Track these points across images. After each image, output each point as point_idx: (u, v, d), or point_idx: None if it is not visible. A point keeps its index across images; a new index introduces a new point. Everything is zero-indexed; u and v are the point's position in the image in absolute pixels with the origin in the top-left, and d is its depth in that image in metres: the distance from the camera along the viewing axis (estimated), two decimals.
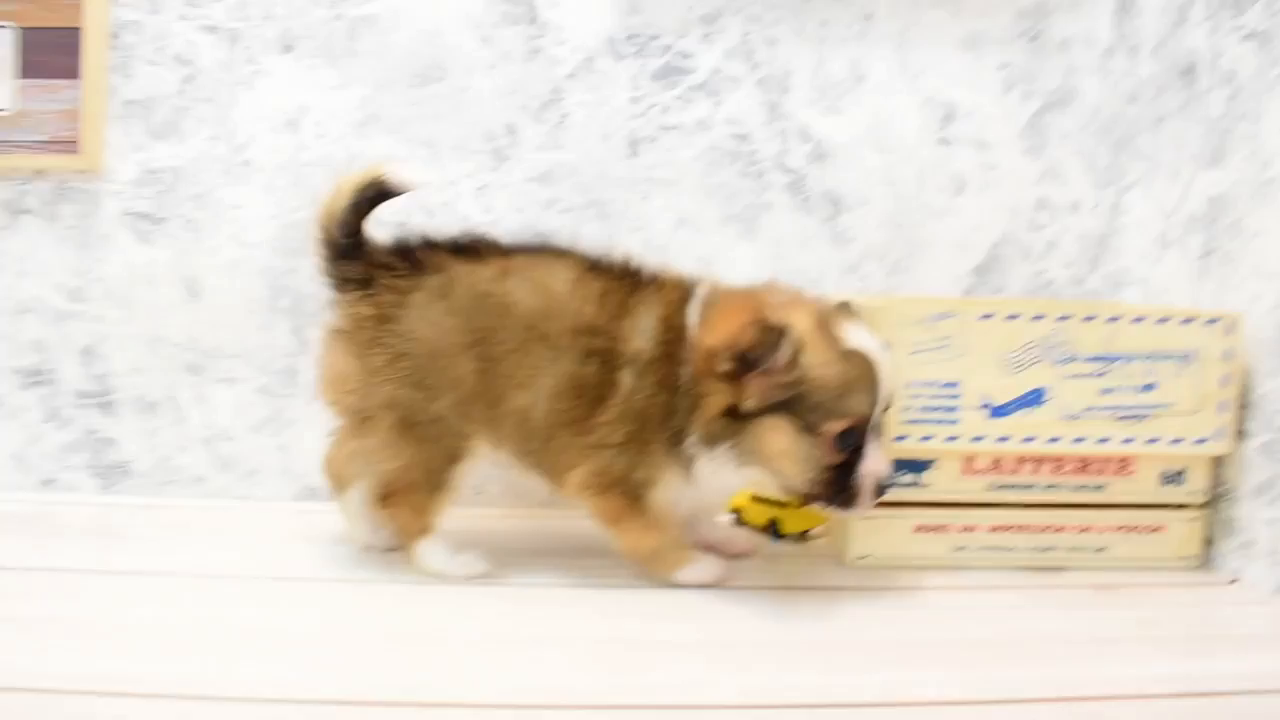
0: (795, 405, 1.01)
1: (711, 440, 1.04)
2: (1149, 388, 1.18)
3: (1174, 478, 1.23)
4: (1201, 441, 1.20)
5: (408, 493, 1.12)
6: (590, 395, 1.07)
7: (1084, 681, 0.91)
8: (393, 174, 1.10)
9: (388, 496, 1.13)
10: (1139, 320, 1.18)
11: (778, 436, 1.02)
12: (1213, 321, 1.18)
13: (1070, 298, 1.48)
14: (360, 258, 1.11)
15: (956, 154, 1.44)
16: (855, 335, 1.04)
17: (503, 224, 1.38)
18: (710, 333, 1.04)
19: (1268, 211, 1.20)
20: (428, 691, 0.84)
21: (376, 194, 1.11)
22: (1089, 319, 1.17)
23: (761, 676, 0.90)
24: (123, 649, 0.90)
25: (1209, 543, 1.26)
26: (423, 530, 1.13)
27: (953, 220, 1.45)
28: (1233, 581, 1.21)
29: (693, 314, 1.07)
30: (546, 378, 1.08)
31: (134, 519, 1.31)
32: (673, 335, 1.07)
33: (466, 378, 1.08)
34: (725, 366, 1.01)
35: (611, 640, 0.98)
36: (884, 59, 1.42)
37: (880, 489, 1.04)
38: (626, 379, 1.06)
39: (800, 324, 1.02)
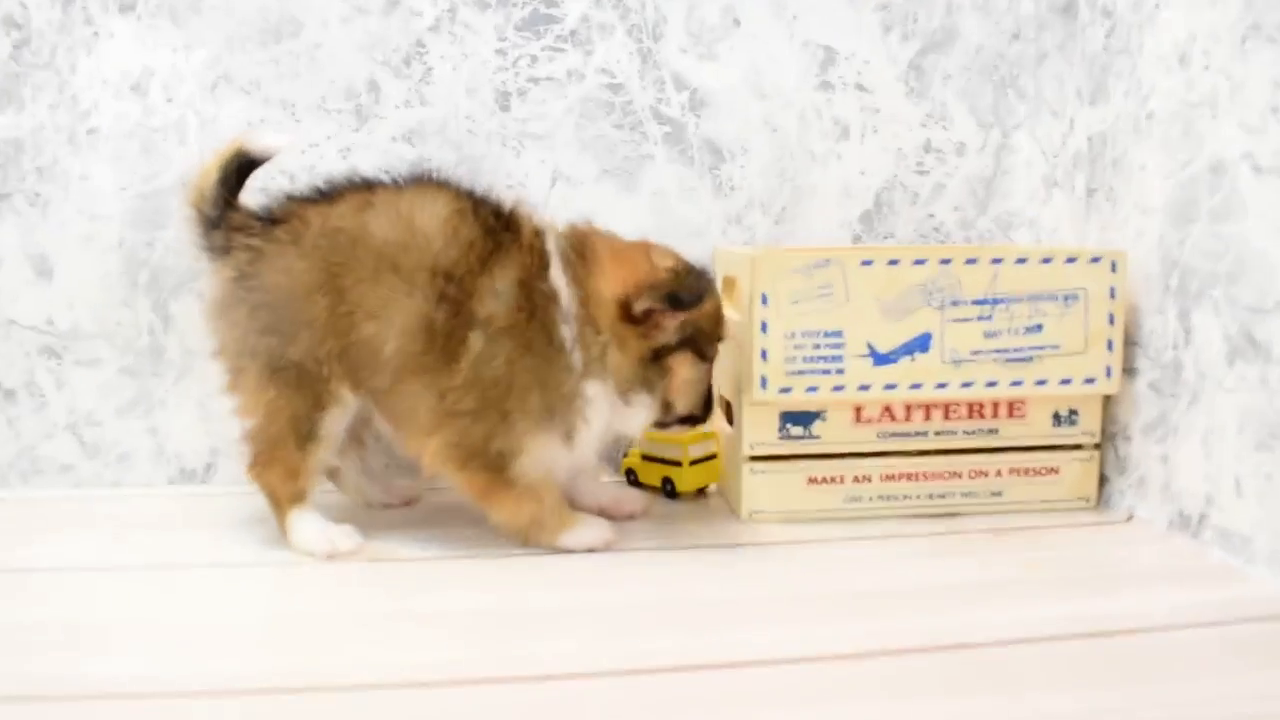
0: (697, 339, 1.09)
1: (627, 386, 1.07)
2: (1035, 329, 1.16)
3: (1065, 418, 1.21)
4: (1090, 381, 1.18)
5: (277, 449, 1.09)
6: (439, 345, 1.05)
7: (981, 627, 0.90)
8: (255, 142, 1.12)
9: (257, 457, 1.10)
10: (1022, 261, 1.16)
11: (683, 369, 1.09)
12: (1096, 260, 1.17)
13: (960, 241, 1.45)
14: (223, 225, 1.11)
15: (838, 99, 1.40)
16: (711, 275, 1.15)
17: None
18: (612, 283, 1.06)
19: (1148, 147, 1.18)
20: (306, 675, 0.80)
21: (243, 165, 1.12)
22: (971, 262, 1.15)
23: (648, 641, 0.87)
24: None
25: (1104, 482, 1.25)
26: (295, 496, 1.10)
27: (837, 166, 1.41)
28: (1129, 519, 1.20)
29: (557, 276, 1.07)
30: (397, 312, 1.06)
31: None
32: (538, 300, 1.06)
33: (319, 315, 1.07)
34: (642, 309, 1.05)
35: (494, 612, 0.94)
36: (759, 3, 1.38)
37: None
38: (476, 342, 1.04)
39: (680, 259, 1.10)
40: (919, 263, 1.14)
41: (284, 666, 0.82)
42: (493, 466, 1.05)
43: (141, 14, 1.29)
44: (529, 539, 1.09)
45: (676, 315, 1.06)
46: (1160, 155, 1.16)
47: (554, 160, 1.36)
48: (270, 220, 1.10)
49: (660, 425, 1.14)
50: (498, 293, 1.05)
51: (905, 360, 1.15)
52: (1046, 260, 1.16)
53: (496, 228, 1.08)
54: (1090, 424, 1.22)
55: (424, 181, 1.12)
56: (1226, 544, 1.06)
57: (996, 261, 1.15)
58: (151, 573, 1.04)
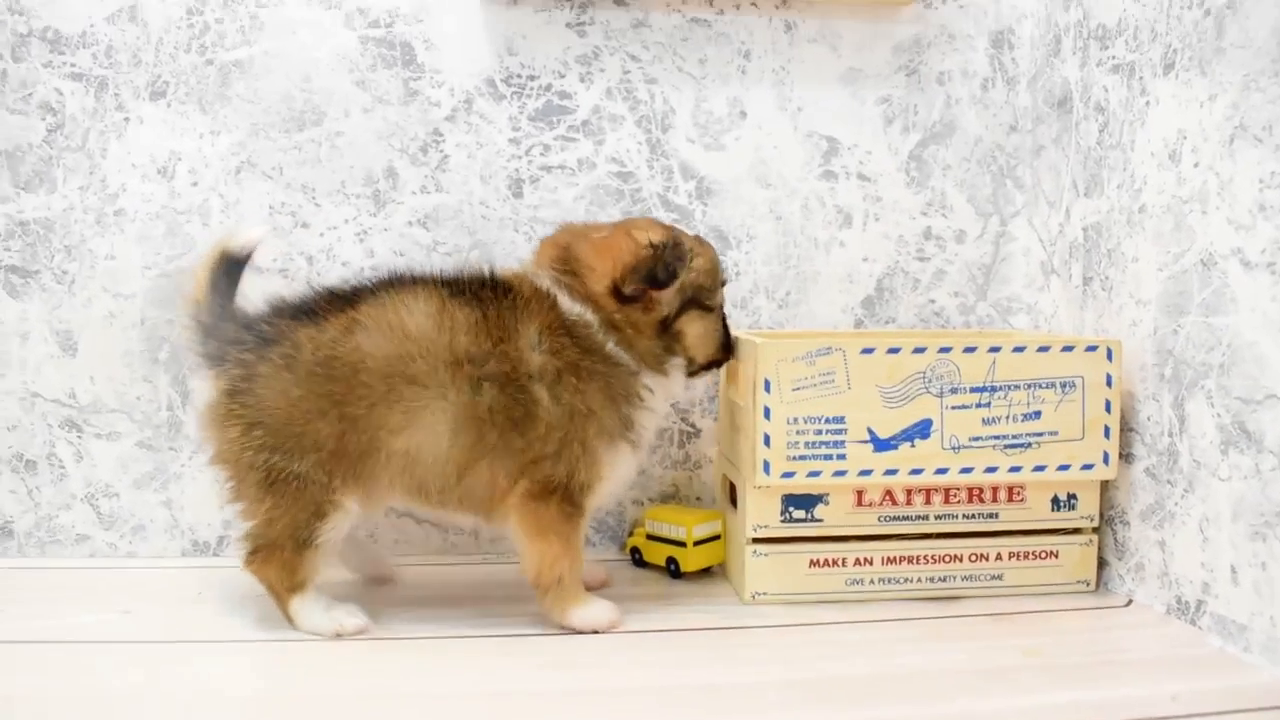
0: (697, 296, 1.15)
1: (655, 360, 1.14)
2: (1034, 415, 1.19)
3: (1065, 503, 1.23)
4: (1088, 467, 1.21)
5: (274, 550, 1.09)
6: (502, 420, 1.07)
7: (979, 714, 0.91)
8: (234, 242, 1.14)
9: (254, 553, 1.10)
10: (1020, 350, 1.19)
11: (692, 326, 1.15)
12: (1092, 349, 1.20)
13: (960, 326, 1.49)
14: (217, 334, 1.12)
15: (841, 187, 1.45)
16: (693, 239, 1.18)
17: (386, 268, 1.34)
18: (601, 279, 1.12)
19: (1141, 239, 1.22)
20: None
21: (230, 266, 1.14)
22: (970, 350, 1.18)
23: None
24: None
25: (1103, 566, 1.27)
26: (293, 588, 1.10)
27: (840, 253, 1.45)
28: (1127, 603, 1.21)
29: (567, 303, 1.12)
30: (431, 416, 1.07)
31: (15, 581, 1.27)
32: (567, 332, 1.11)
33: (327, 440, 1.08)
34: (631, 290, 1.10)
35: (497, 694, 0.95)
36: (764, 95, 1.43)
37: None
38: (542, 394, 1.08)
39: (662, 231, 1.14)
40: (919, 351, 1.17)
41: None
42: (570, 501, 1.09)
43: (171, 101, 1.34)
44: (545, 599, 1.11)
45: (663, 290, 1.12)
46: (1153, 248, 1.19)
47: None
48: (263, 338, 1.10)
49: (690, 374, 1.19)
50: (534, 344, 1.09)
51: (906, 446, 1.17)
52: (1044, 349, 1.19)
53: (487, 296, 1.11)
54: (1089, 508, 1.24)
55: (399, 283, 1.13)
56: (1224, 631, 1.08)
57: (995, 350, 1.18)
58: (161, 648, 1.06)
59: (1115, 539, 1.25)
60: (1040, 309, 1.45)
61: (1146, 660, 1.06)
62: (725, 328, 1.22)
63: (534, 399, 1.08)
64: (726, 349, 1.21)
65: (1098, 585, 1.26)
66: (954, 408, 1.17)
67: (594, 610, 1.11)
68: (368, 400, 1.07)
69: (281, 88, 1.35)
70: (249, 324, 1.12)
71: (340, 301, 1.12)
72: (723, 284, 1.20)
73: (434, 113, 1.38)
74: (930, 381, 1.17)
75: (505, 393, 1.07)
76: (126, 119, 1.34)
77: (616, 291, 1.11)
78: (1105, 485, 1.25)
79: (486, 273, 1.14)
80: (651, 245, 1.11)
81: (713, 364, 1.21)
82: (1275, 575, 1.01)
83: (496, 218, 1.39)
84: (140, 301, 1.35)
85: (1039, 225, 1.45)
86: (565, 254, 1.14)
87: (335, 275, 1.35)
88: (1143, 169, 1.22)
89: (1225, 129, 1.08)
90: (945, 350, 1.17)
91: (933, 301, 1.48)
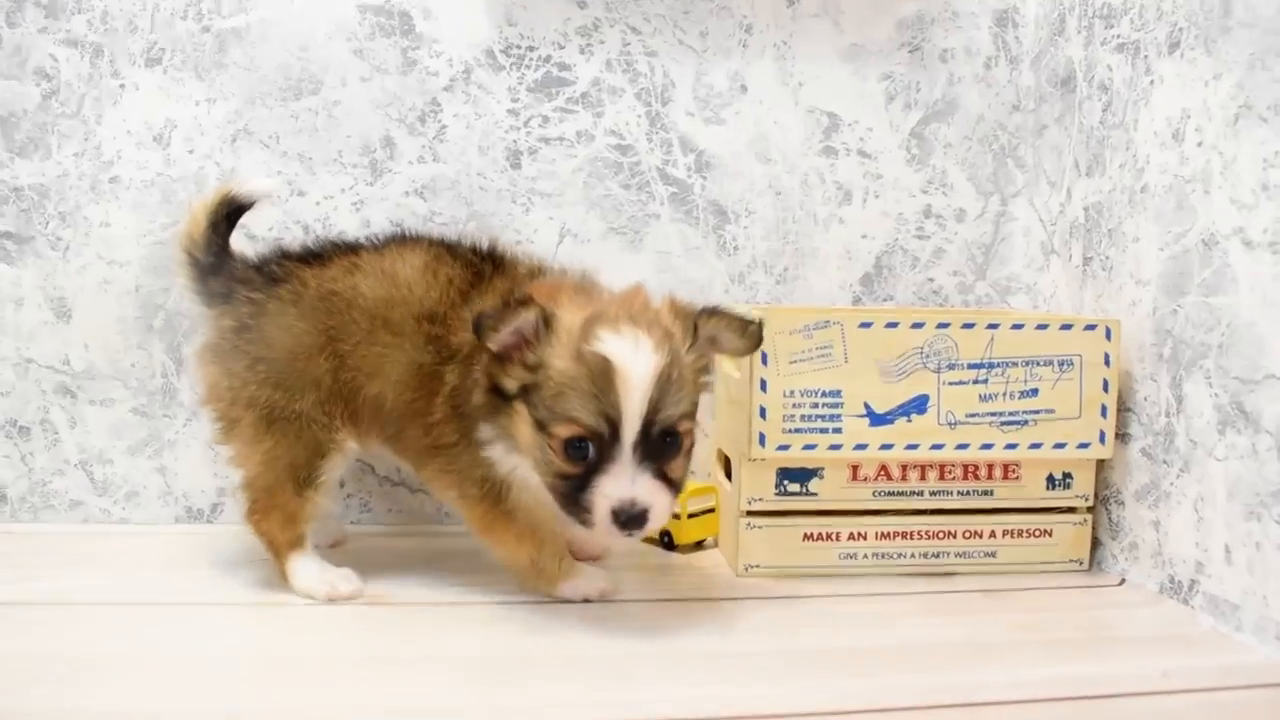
0: (531, 395, 0.97)
1: (483, 416, 1.02)
2: (1031, 393, 1.19)
3: (1060, 482, 1.23)
4: (1084, 446, 1.20)
5: (275, 496, 1.10)
6: (427, 387, 1.06)
7: (970, 687, 0.91)
8: (242, 187, 1.15)
9: (255, 505, 1.11)
10: (1018, 327, 1.18)
11: (522, 426, 0.99)
12: (1091, 328, 1.19)
13: (958, 305, 1.48)
14: (222, 274, 1.13)
15: (841, 164, 1.44)
16: (614, 342, 0.94)
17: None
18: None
19: (1142, 219, 1.21)
20: (297, 714, 0.81)
21: (231, 210, 1.15)
22: (968, 326, 1.17)
23: (642, 691, 0.88)
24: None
25: (1097, 545, 1.27)
26: (293, 543, 1.11)
27: (839, 230, 1.44)
28: (1121, 583, 1.21)
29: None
30: (391, 365, 1.08)
31: (7, 546, 1.26)
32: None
33: (324, 377, 1.09)
34: (473, 333, 0.98)
35: (488, 658, 0.95)
36: (765, 70, 1.42)
37: (622, 519, 0.94)
38: (450, 374, 1.05)
39: (567, 313, 0.98)
40: (917, 326, 1.17)
41: (276, 705, 0.84)
42: (493, 498, 1.06)
43: (167, 68, 1.33)
44: (527, 583, 1.10)
45: (505, 351, 0.98)
46: (1154, 228, 1.19)
47: (562, 217, 1.39)
48: (272, 277, 1.12)
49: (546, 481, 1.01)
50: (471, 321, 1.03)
51: (902, 421, 1.17)
52: (1042, 327, 1.19)
53: (476, 261, 1.10)
54: (1084, 488, 1.23)
55: (402, 239, 1.15)
56: (1216, 611, 1.07)
57: (993, 327, 1.18)
58: (153, 610, 1.06)
59: (1110, 518, 1.25)
60: (1040, 289, 1.45)
61: (1138, 638, 1.06)
62: (581, 482, 0.96)
63: (443, 377, 1.05)
64: (565, 500, 0.98)
65: (1091, 564, 1.26)
66: (951, 384, 1.17)
67: (583, 581, 1.11)
68: (355, 339, 1.08)
69: (278, 56, 1.34)
70: (258, 264, 1.14)
71: (345, 248, 1.14)
72: (591, 431, 0.95)
73: (432, 83, 1.37)
74: (928, 357, 1.17)
75: (435, 356, 1.06)
76: (122, 86, 1.33)
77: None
78: (1101, 464, 1.24)
79: (491, 245, 1.13)
80: (505, 301, 0.99)
81: (556, 498, 0.99)
82: (1269, 555, 1.01)
83: (494, 189, 1.38)
84: (135, 269, 1.34)
85: (1040, 205, 1.45)
86: (559, 281, 1.08)
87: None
88: (1145, 148, 1.21)
89: (1230, 108, 1.07)
90: (944, 326, 1.17)
91: (931, 280, 1.47)
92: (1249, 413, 1.04)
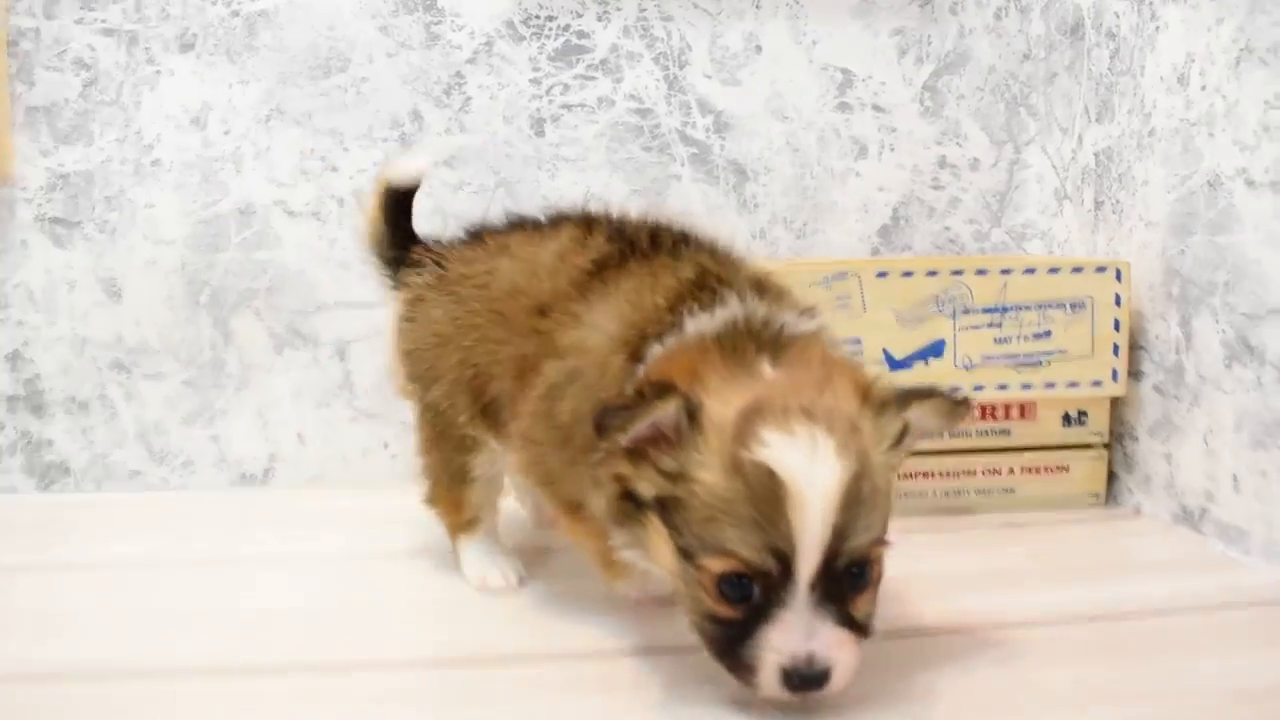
0: (673, 514, 0.75)
1: (614, 519, 0.81)
2: (1044, 335, 1.23)
3: (1075, 419, 1.28)
4: (1097, 384, 1.25)
5: (438, 485, 1.08)
6: (526, 376, 0.92)
7: (993, 611, 0.96)
8: (396, 172, 1.11)
9: (427, 490, 1.09)
10: (1031, 271, 1.23)
11: (661, 546, 0.77)
12: (1102, 270, 1.23)
13: (975, 253, 1.52)
14: (403, 261, 1.10)
15: (856, 119, 1.48)
16: (783, 447, 0.71)
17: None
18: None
19: (1150, 163, 1.25)
20: (349, 655, 0.87)
21: (397, 196, 1.11)
22: (982, 272, 1.22)
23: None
24: (78, 635, 0.93)
25: (1113, 479, 1.32)
26: (463, 527, 1.07)
27: (856, 183, 1.48)
28: (1136, 514, 1.26)
29: (654, 351, 0.82)
30: (505, 364, 0.95)
31: (74, 515, 1.33)
32: (621, 364, 0.83)
33: (453, 367, 1.01)
34: (595, 433, 0.76)
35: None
36: (778, 30, 1.45)
37: (795, 681, 0.72)
38: (550, 370, 0.88)
39: (718, 403, 0.74)
40: (932, 274, 1.21)
41: (331, 646, 0.90)
42: (565, 499, 0.91)
43: (200, 52, 1.38)
44: (598, 569, 0.96)
45: (639, 451, 0.76)
46: (1162, 170, 1.22)
47: (586, 182, 1.44)
48: (436, 262, 1.06)
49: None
50: (590, 323, 0.87)
51: (920, 365, 1.22)
52: (1054, 270, 1.23)
53: (624, 247, 0.92)
54: (1099, 424, 1.28)
55: (567, 216, 1.02)
56: (1225, 536, 1.12)
57: (1006, 272, 1.22)
58: (212, 567, 1.13)
59: (1124, 453, 1.30)
60: (1054, 234, 1.48)
61: (1151, 563, 1.11)
62: (743, 629, 0.73)
63: (540, 370, 0.90)
64: (718, 649, 0.75)
65: (1108, 498, 1.31)
66: (966, 328, 1.21)
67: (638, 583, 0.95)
68: (482, 330, 0.98)
69: (306, 36, 1.39)
70: (430, 250, 1.08)
71: (504, 228, 1.07)
72: (753, 567, 0.71)
73: (455, 55, 1.41)
74: (943, 303, 1.21)
75: (538, 349, 0.91)
76: (158, 72, 1.38)
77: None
78: (1115, 401, 1.29)
79: (670, 225, 0.96)
80: (646, 384, 0.77)
81: (707, 645, 0.76)
82: (1274, 482, 1.05)
83: (520, 156, 1.43)
84: (180, 247, 1.40)
85: (1052, 152, 1.48)
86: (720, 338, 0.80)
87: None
88: (1152, 93, 1.24)
89: (1232, 51, 1.11)
90: (958, 273, 1.21)
91: (948, 229, 1.51)
92: (1254, 347, 1.08)
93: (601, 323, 0.86)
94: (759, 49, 1.45)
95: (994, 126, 1.51)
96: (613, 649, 0.89)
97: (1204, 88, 1.15)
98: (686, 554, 0.74)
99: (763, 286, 0.86)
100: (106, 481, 1.43)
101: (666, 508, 0.74)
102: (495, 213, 1.36)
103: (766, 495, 0.70)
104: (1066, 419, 1.27)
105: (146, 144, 1.39)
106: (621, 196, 1.44)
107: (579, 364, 0.86)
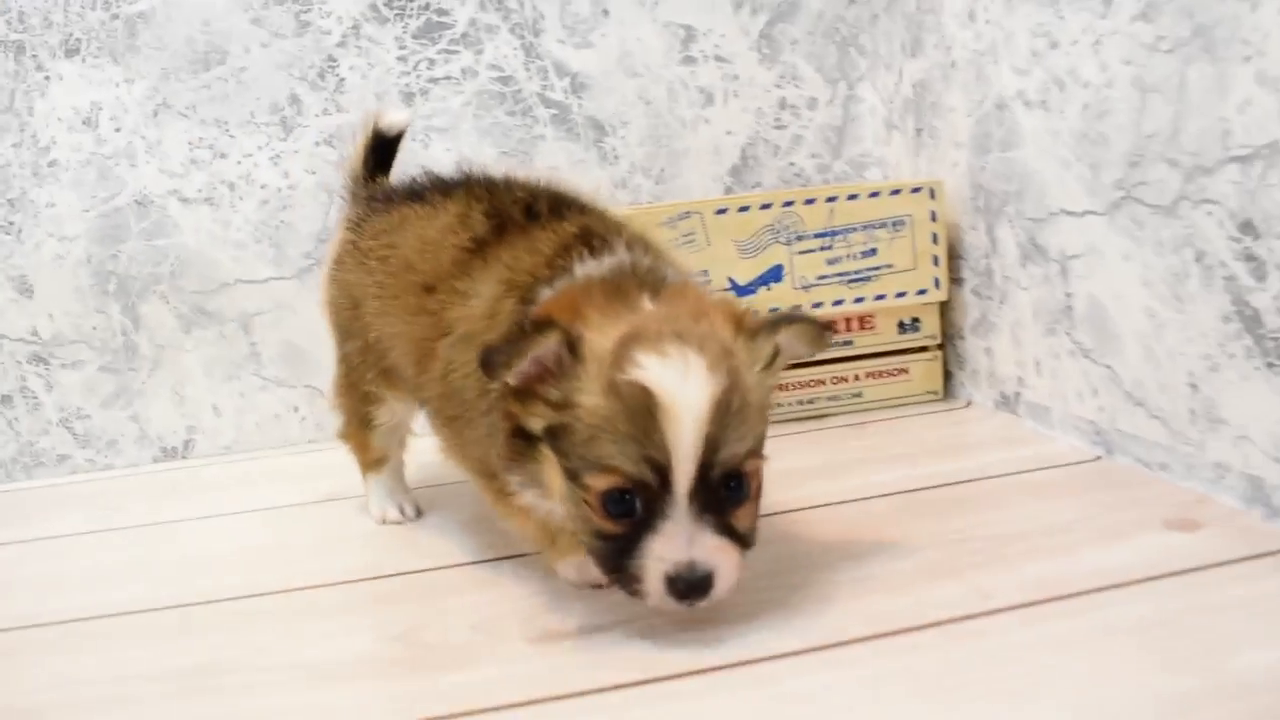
0: (560, 440, 0.80)
1: (507, 463, 0.85)
2: (870, 253, 1.38)
3: (909, 326, 1.44)
4: (922, 293, 1.41)
5: (347, 425, 1.18)
6: (425, 355, 0.96)
7: (844, 491, 1.12)
8: (383, 119, 1.19)
9: (340, 429, 1.20)
10: (854, 197, 1.38)
11: (553, 474, 0.82)
12: (917, 190, 1.39)
13: (819, 184, 1.67)
14: (363, 203, 1.16)
15: (701, 70, 1.61)
16: (657, 367, 0.76)
17: (300, 187, 1.51)
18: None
19: (954, 91, 1.40)
20: (271, 587, 1.01)
21: (379, 142, 1.20)
22: (810, 202, 1.37)
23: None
24: (31, 596, 1.06)
25: (949, 376, 1.48)
26: (370, 465, 1.19)
27: (706, 130, 1.62)
28: (967, 405, 1.43)
29: (543, 295, 0.87)
30: (402, 342, 1.01)
31: (7, 502, 1.43)
32: (511, 308, 0.88)
33: (362, 330, 1.09)
34: (481, 369, 0.80)
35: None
36: None
37: (680, 587, 0.77)
38: (443, 350, 0.92)
39: (597, 334, 0.79)
40: (765, 207, 1.36)
41: (257, 580, 1.03)
42: (487, 473, 0.93)
43: (85, 56, 1.47)
44: (541, 550, 0.97)
45: (528, 385, 0.80)
46: (962, 97, 1.38)
47: (457, 148, 1.56)
48: (354, 227, 1.12)
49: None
50: (478, 294, 0.91)
51: (763, 290, 1.37)
52: (875, 194, 1.38)
53: (501, 222, 0.95)
54: (931, 329, 1.44)
55: (458, 186, 1.06)
56: (1034, 415, 1.29)
57: (832, 200, 1.37)
58: (144, 529, 1.25)
59: (955, 352, 1.47)
60: (888, 161, 1.64)
61: (975, 444, 1.28)
62: (626, 543, 0.78)
63: (435, 350, 0.94)
64: (606, 565, 0.81)
65: (945, 393, 1.48)
66: (801, 253, 1.37)
67: (578, 564, 0.96)
68: (382, 302, 1.04)
69: (184, 33, 1.49)
70: (370, 196, 1.15)
71: (409, 193, 1.11)
72: (633, 480, 0.77)
73: (326, 40, 1.52)
74: (778, 232, 1.36)
75: (430, 328, 0.95)
76: (47, 77, 1.47)
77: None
78: (943, 306, 1.45)
79: (542, 192, 1.01)
80: (518, 325, 0.83)
81: (598, 562, 0.82)
82: (1065, 363, 1.22)
83: None
84: (84, 241, 1.50)
85: (879, 86, 1.63)
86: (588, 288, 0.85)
87: (256, 199, 1.51)
88: (951, 28, 1.39)
89: None
90: (788, 204, 1.36)
91: (793, 164, 1.66)
92: (1041, 246, 1.24)
93: (484, 291, 0.91)
94: (606, 12, 1.58)
95: (827, 67, 1.65)
96: (493, 559, 1.04)
97: (988, 21, 1.30)
98: (573, 475, 0.78)
99: (646, 242, 0.92)
100: (36, 469, 1.54)
101: (555, 435, 0.79)
102: None
103: (642, 411, 0.75)
104: (901, 326, 1.43)
105: (43, 146, 1.48)
106: (491, 159, 1.56)
107: (468, 329, 0.90)
